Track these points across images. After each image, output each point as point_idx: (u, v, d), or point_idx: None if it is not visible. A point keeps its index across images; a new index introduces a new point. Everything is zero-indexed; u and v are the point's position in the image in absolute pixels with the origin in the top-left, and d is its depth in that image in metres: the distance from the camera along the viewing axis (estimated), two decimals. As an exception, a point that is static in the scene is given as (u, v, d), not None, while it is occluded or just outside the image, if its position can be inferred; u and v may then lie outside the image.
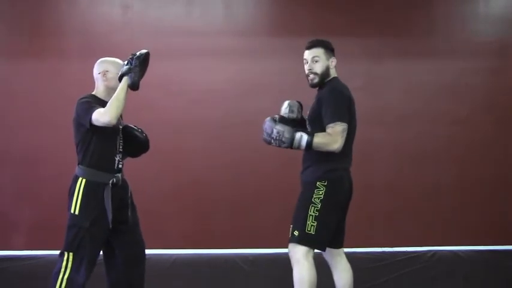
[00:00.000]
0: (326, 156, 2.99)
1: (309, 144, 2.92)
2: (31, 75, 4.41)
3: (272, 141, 2.98)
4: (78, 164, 3.06)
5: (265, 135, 3.01)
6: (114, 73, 3.11)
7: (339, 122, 2.94)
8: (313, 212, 2.97)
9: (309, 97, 4.40)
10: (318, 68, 3.11)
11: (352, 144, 3.11)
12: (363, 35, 4.52)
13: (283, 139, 2.94)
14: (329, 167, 3.01)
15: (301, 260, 2.98)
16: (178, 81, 4.46)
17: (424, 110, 4.53)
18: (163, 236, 4.33)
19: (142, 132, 3.22)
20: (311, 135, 2.95)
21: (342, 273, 3.17)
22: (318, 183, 3.01)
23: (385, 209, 4.49)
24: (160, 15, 4.50)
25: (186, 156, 4.41)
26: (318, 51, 3.13)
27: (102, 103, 3.08)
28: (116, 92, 2.96)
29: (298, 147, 2.96)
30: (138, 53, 3.02)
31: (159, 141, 4.33)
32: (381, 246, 4.45)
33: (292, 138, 2.94)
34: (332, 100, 3.00)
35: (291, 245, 3.03)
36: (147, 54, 3.02)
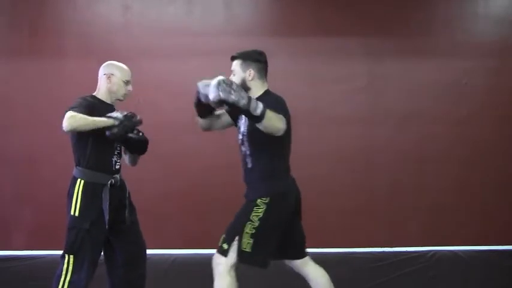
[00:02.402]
0: (269, 164, 2.93)
1: (263, 112, 2.68)
2: (30, 75, 4.40)
3: (231, 91, 2.65)
4: (76, 165, 3.06)
5: (221, 88, 2.66)
6: (118, 78, 3.17)
7: (281, 115, 2.80)
8: (250, 230, 2.89)
9: (310, 95, 4.42)
10: (234, 80, 2.93)
11: (289, 152, 3.04)
12: (363, 35, 4.51)
13: (242, 94, 2.67)
14: (271, 179, 2.94)
15: (223, 273, 2.91)
16: (178, 81, 4.45)
17: (425, 109, 4.53)
18: (163, 236, 4.33)
19: (138, 132, 3.21)
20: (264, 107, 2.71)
21: (316, 280, 3.10)
22: (258, 200, 2.92)
23: (385, 209, 4.49)
24: (160, 15, 4.49)
25: (186, 156, 4.41)
26: (235, 64, 3.05)
27: (102, 104, 3.10)
28: (93, 118, 2.94)
29: (250, 111, 2.67)
30: (137, 118, 3.08)
31: (158, 141, 4.33)
32: (381, 246, 4.45)
33: (250, 98, 2.70)
34: (270, 105, 2.81)
35: (216, 255, 2.96)
36: (139, 121, 3.10)
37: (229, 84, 2.68)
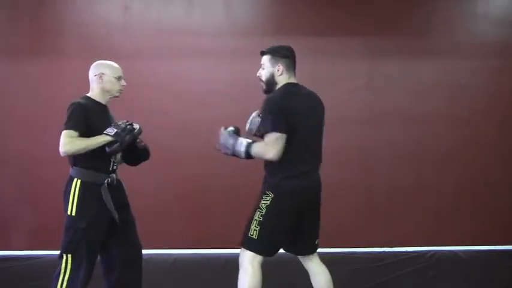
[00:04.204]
0: (279, 163, 2.98)
1: (246, 150, 3.00)
2: (31, 75, 4.41)
3: (223, 148, 3.12)
4: (73, 165, 3.07)
5: (222, 146, 3.14)
6: (110, 76, 3.17)
7: (273, 132, 2.93)
8: (258, 217, 3.01)
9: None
10: (263, 74, 3.15)
11: (311, 148, 3.09)
12: (364, 35, 4.51)
13: (228, 145, 3.08)
14: (281, 175, 3.01)
15: (245, 265, 3.00)
16: (178, 81, 4.46)
17: (425, 109, 4.53)
18: (163, 236, 4.34)
19: (140, 142, 3.23)
20: (250, 145, 3.00)
21: (317, 277, 3.18)
22: (267, 190, 3.04)
23: (385, 209, 4.49)
24: (160, 16, 4.49)
25: (186, 157, 4.40)
26: (264, 59, 3.16)
27: (96, 105, 3.11)
28: (92, 140, 2.98)
29: (240, 154, 3.03)
30: (137, 130, 3.08)
31: (158, 141, 4.34)
32: (381, 246, 4.46)
33: (234, 145, 3.05)
34: (264, 112, 3.00)
35: (241, 250, 3.06)
36: (138, 131, 3.11)
37: (223, 143, 3.12)
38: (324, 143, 3.19)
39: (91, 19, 4.47)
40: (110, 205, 3.02)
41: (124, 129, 3.02)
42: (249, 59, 4.41)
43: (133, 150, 3.22)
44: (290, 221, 3.04)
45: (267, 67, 3.14)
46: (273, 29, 4.50)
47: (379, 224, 4.47)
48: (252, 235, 3.00)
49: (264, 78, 3.15)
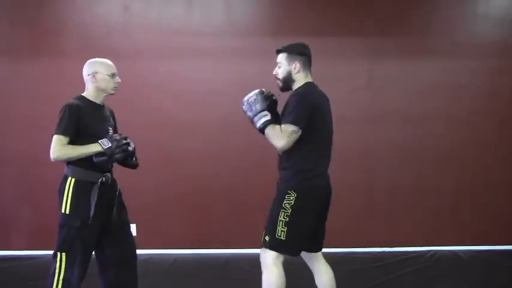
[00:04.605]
0: (300, 162, 3.01)
1: (263, 127, 3.01)
2: (31, 75, 4.41)
3: (245, 103, 3.09)
4: (67, 164, 3.07)
5: (245, 98, 3.11)
6: (103, 74, 3.15)
7: (291, 125, 2.95)
8: (284, 218, 2.99)
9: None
10: (280, 73, 3.15)
11: (327, 149, 3.13)
12: (364, 34, 4.51)
13: (253, 107, 3.05)
14: (303, 174, 3.02)
15: (270, 265, 3.00)
16: (178, 81, 4.46)
17: (425, 109, 4.53)
18: (163, 236, 4.34)
19: (132, 157, 3.19)
20: (271, 122, 3.00)
21: (321, 276, 3.20)
22: (289, 190, 3.02)
23: (385, 209, 4.49)
24: (160, 16, 4.49)
25: (186, 156, 4.41)
26: (280, 57, 3.16)
27: (91, 105, 3.10)
28: (82, 149, 2.99)
29: (255, 123, 3.04)
30: (131, 147, 3.08)
31: (159, 141, 4.35)
32: (381, 246, 4.46)
33: (258, 112, 3.03)
34: (293, 103, 3.02)
35: (262, 250, 3.06)
36: (132, 150, 3.10)
37: (251, 101, 3.08)
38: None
39: (91, 19, 4.47)
40: (93, 202, 3.00)
41: (119, 146, 3.03)
42: (249, 59, 4.45)
43: (123, 165, 3.21)
44: (314, 220, 3.07)
45: (283, 65, 3.14)
46: (273, 29, 4.50)
47: (379, 224, 4.47)
48: (280, 236, 2.98)
49: (280, 77, 3.15)
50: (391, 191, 4.50)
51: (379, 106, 4.53)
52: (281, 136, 2.96)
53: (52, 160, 2.98)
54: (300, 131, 2.96)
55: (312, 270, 3.25)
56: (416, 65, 4.56)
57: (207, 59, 4.45)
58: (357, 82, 4.53)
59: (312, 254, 3.22)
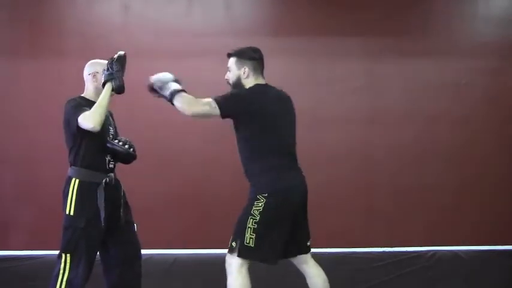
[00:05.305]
0: (259, 164, 2.97)
1: (170, 96, 2.97)
2: (31, 75, 4.41)
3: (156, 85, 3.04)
4: (71, 165, 3.07)
5: (156, 81, 3.07)
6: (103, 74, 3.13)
7: (212, 100, 2.93)
8: (252, 225, 2.91)
9: (310, 95, 4.41)
10: (230, 77, 3.13)
11: (287, 148, 3.05)
12: (363, 34, 4.51)
13: (161, 84, 3.01)
14: (266, 177, 2.96)
15: (233, 272, 2.93)
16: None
17: (425, 109, 4.53)
18: (163, 236, 4.33)
19: (125, 144, 3.17)
20: (176, 92, 2.97)
21: (312, 279, 3.11)
22: (258, 195, 2.94)
23: (385, 209, 4.49)
24: (160, 16, 4.49)
25: (186, 156, 4.40)
26: (230, 62, 3.14)
27: (91, 104, 3.10)
28: (100, 98, 3.01)
29: (163, 92, 3.01)
30: (116, 56, 3.07)
31: (158, 141, 4.35)
32: (381, 246, 4.45)
33: (165, 83, 3.01)
34: (230, 92, 3.04)
35: (227, 256, 2.98)
36: (125, 56, 3.08)
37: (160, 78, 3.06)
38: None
39: (91, 19, 4.47)
40: (101, 203, 3.00)
41: (111, 64, 3.04)
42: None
43: (124, 161, 3.21)
44: (286, 225, 2.97)
45: (233, 70, 3.11)
46: (273, 29, 4.50)
47: (379, 224, 4.47)
48: (249, 243, 2.89)
49: (230, 82, 3.13)
50: (391, 191, 4.50)
51: (379, 106, 4.53)
52: (194, 102, 2.94)
53: (92, 128, 2.91)
54: (217, 110, 2.91)
55: (304, 275, 3.15)
56: (417, 64, 4.56)
57: (207, 59, 4.44)
58: (357, 82, 4.53)
59: (300, 257, 3.12)
